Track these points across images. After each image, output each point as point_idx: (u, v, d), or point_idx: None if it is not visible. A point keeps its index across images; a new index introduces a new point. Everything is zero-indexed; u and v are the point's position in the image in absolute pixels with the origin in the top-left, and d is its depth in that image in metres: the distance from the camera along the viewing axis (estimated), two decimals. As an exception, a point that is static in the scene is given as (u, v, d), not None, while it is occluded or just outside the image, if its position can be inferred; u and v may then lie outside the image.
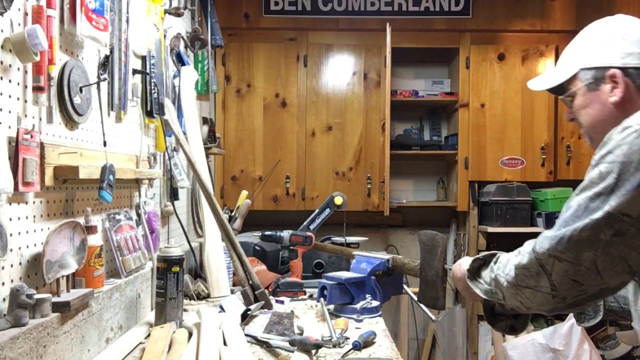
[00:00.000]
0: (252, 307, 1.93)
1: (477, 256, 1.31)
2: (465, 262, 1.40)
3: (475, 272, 1.30)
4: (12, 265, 1.17)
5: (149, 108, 1.99)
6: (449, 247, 3.84)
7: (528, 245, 1.14)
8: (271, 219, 3.75)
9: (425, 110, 3.96)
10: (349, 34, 3.58)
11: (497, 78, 3.54)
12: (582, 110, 1.28)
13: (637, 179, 1.01)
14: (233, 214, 2.60)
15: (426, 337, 3.84)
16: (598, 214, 1.04)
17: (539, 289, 1.10)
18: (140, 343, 1.62)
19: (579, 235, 1.05)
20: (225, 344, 1.50)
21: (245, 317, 1.85)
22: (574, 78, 1.28)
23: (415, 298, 2.39)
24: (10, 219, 1.17)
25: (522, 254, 1.14)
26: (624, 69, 1.18)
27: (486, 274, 1.25)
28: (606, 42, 1.22)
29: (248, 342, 1.59)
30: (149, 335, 1.60)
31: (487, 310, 1.43)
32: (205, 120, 2.65)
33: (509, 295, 1.17)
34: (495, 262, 1.23)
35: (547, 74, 1.38)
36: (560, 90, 1.33)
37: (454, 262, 1.74)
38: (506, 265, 1.18)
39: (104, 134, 1.58)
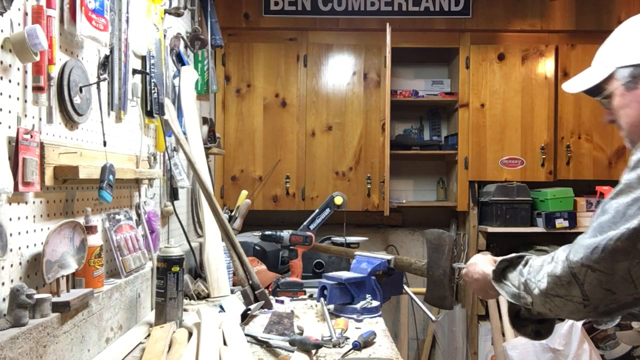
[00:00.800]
0: (252, 307, 1.93)
1: (504, 257, 1.28)
2: (482, 262, 1.39)
3: (500, 273, 1.27)
4: (12, 265, 1.17)
5: (149, 108, 1.99)
6: (449, 247, 3.83)
7: (562, 253, 1.11)
8: (271, 219, 3.75)
9: (425, 110, 3.96)
10: (349, 34, 3.58)
11: (497, 78, 3.54)
12: (621, 111, 1.21)
13: None
14: (233, 214, 2.60)
15: (426, 337, 3.84)
16: (635, 223, 1.01)
17: (570, 299, 1.08)
18: (140, 343, 1.62)
19: (615, 244, 1.02)
20: (225, 344, 1.50)
21: (245, 317, 1.85)
22: (610, 78, 1.22)
23: (415, 298, 2.40)
24: (10, 219, 1.17)
25: (556, 262, 1.11)
26: None
27: (514, 277, 1.23)
28: None
29: (248, 342, 1.59)
30: (149, 335, 1.60)
31: (511, 314, 1.41)
32: (205, 120, 2.65)
33: (539, 302, 1.15)
34: (525, 266, 1.21)
35: (583, 75, 1.31)
36: (598, 92, 1.27)
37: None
38: (539, 271, 1.15)
39: (104, 134, 1.58)
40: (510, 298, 1.24)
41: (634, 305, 1.09)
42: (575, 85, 1.31)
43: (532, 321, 1.39)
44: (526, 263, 1.22)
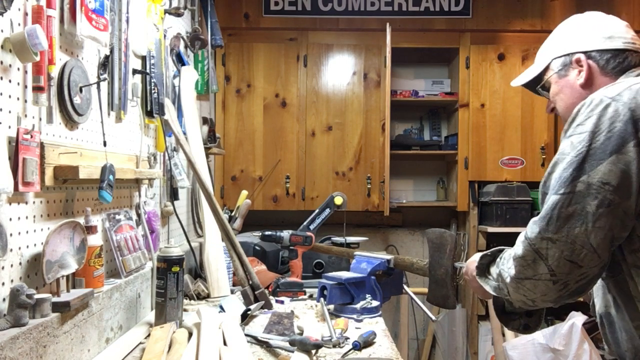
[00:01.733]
0: (252, 307, 1.93)
1: (486, 252, 1.30)
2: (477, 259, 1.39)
3: (484, 269, 1.29)
4: (12, 265, 1.17)
5: (149, 108, 1.99)
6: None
7: (521, 235, 1.15)
8: (271, 219, 3.75)
9: (425, 110, 3.96)
10: (349, 34, 3.58)
11: (497, 78, 3.54)
12: (557, 97, 1.36)
13: (609, 146, 1.07)
14: (233, 214, 2.60)
15: (426, 337, 3.84)
16: (579, 186, 1.08)
17: (539, 277, 1.10)
18: (140, 343, 1.62)
19: (566, 211, 1.08)
20: (225, 344, 1.50)
21: (245, 317, 1.85)
22: (547, 69, 1.38)
23: (415, 298, 2.39)
24: (10, 219, 1.17)
25: (517, 245, 1.15)
26: (586, 53, 1.30)
27: (493, 270, 1.25)
28: (571, 33, 1.34)
29: (248, 342, 1.59)
30: (149, 335, 1.60)
31: (498, 309, 1.42)
32: (205, 120, 2.65)
33: (512, 290, 1.17)
34: (501, 258, 1.24)
35: (526, 70, 1.46)
36: (538, 84, 1.42)
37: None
38: (508, 259, 1.18)
39: (104, 134, 1.58)
40: (493, 292, 1.25)
41: (600, 276, 1.14)
42: (520, 79, 1.46)
43: (520, 315, 1.40)
44: (502, 255, 1.24)
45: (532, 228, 1.12)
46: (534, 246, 1.11)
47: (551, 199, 1.11)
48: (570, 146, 1.12)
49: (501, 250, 1.27)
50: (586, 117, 1.13)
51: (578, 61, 1.31)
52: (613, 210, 1.07)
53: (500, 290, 1.22)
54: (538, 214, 1.16)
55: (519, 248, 1.15)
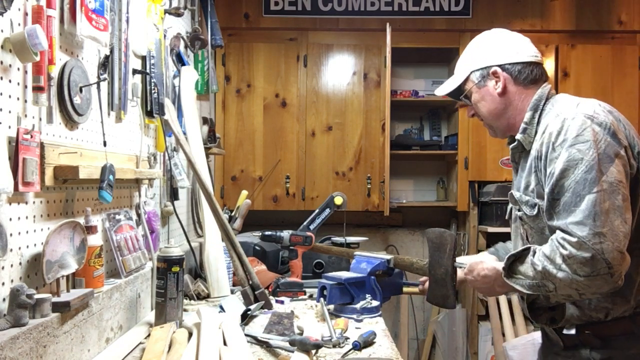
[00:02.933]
0: (252, 307, 1.93)
1: (511, 253, 1.37)
2: (489, 259, 1.47)
3: (509, 269, 1.37)
4: (12, 265, 1.17)
5: (149, 108, 1.99)
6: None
7: (565, 237, 1.25)
8: (271, 219, 3.75)
9: (425, 110, 3.96)
10: (349, 34, 3.58)
11: (497, 78, 3.53)
12: (479, 104, 1.56)
13: (611, 151, 1.27)
14: (233, 214, 2.60)
15: (426, 337, 3.84)
16: (604, 185, 1.24)
17: (597, 273, 1.21)
18: (140, 343, 1.62)
19: (605, 206, 1.23)
20: (225, 344, 1.50)
21: (245, 317, 1.85)
22: (467, 80, 1.57)
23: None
24: (10, 219, 1.17)
25: (565, 246, 1.24)
26: (501, 66, 1.51)
27: (527, 269, 1.32)
28: (487, 48, 1.55)
29: (248, 342, 1.59)
30: (149, 335, 1.60)
31: (528, 305, 1.50)
32: (205, 120, 2.65)
33: (564, 286, 1.26)
34: (534, 256, 1.31)
35: (448, 81, 1.64)
36: (460, 93, 1.60)
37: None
38: (554, 258, 1.26)
39: (104, 134, 1.58)
40: (527, 290, 1.33)
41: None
42: (443, 89, 1.65)
43: (545, 309, 1.47)
44: (534, 253, 1.32)
45: (580, 228, 1.23)
46: (589, 243, 1.21)
47: (587, 198, 1.25)
48: (580, 153, 1.28)
49: (527, 249, 1.34)
50: (582, 129, 1.30)
51: (495, 73, 1.51)
52: (628, 203, 1.26)
53: (538, 288, 1.30)
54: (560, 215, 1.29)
55: (565, 249, 1.24)
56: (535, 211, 1.43)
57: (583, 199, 1.24)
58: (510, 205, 1.59)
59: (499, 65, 1.51)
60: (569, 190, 1.27)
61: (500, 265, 1.41)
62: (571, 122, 1.32)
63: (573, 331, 1.44)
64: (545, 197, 1.34)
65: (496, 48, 1.53)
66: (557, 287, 1.27)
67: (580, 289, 1.24)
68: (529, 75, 1.50)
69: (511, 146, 1.53)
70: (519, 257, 1.35)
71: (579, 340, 1.43)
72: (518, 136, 1.48)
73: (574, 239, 1.23)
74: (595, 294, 1.26)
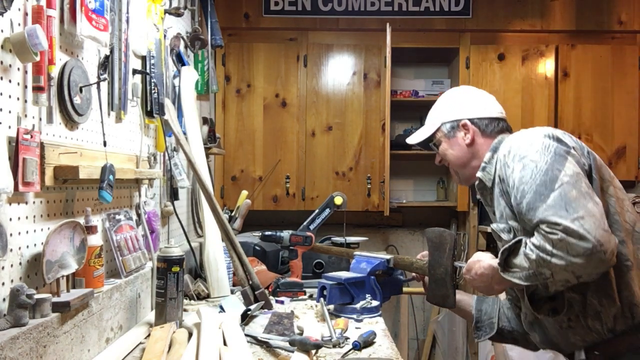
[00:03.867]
0: (252, 307, 1.93)
1: (503, 247, 1.39)
2: (486, 257, 1.48)
3: (504, 264, 1.38)
4: (12, 265, 1.17)
5: (149, 108, 1.99)
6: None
7: (548, 225, 1.27)
8: (271, 219, 3.75)
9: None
10: (349, 34, 3.58)
11: (497, 78, 3.54)
12: (447, 152, 1.71)
13: (561, 152, 1.36)
14: (233, 214, 2.60)
15: (426, 337, 3.84)
16: (564, 179, 1.30)
17: (590, 251, 1.22)
18: (140, 343, 1.62)
19: (572, 194, 1.27)
20: (225, 344, 1.50)
21: (245, 317, 1.85)
22: (438, 130, 1.72)
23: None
24: (10, 219, 1.17)
25: (553, 232, 1.25)
26: (471, 120, 1.66)
27: (521, 261, 1.34)
28: (458, 103, 1.70)
29: (248, 342, 1.59)
30: (149, 335, 1.60)
31: (529, 297, 1.51)
32: (205, 120, 2.65)
33: (559, 270, 1.26)
34: (525, 247, 1.33)
35: (420, 130, 1.80)
36: (430, 141, 1.76)
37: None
38: (544, 246, 1.27)
39: (104, 134, 1.58)
40: (525, 281, 1.34)
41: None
42: (415, 137, 1.80)
43: (546, 300, 1.48)
44: (525, 244, 1.33)
45: (558, 217, 1.25)
46: (572, 227, 1.23)
47: (552, 195, 1.29)
48: (532, 161, 1.37)
49: (518, 242, 1.36)
50: (529, 142, 1.42)
51: (464, 125, 1.66)
52: (592, 191, 1.31)
53: (536, 277, 1.31)
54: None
55: (554, 234, 1.25)
56: (511, 234, 1.47)
57: (548, 197, 1.29)
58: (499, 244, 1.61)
59: (469, 119, 1.65)
60: (530, 191, 1.33)
61: (496, 262, 1.42)
62: (518, 141, 1.45)
63: (583, 356, 1.45)
64: (513, 208, 1.41)
65: (466, 103, 1.69)
66: (553, 272, 1.28)
67: (577, 270, 1.25)
68: (494, 128, 1.65)
69: (476, 184, 1.62)
70: (512, 251, 1.36)
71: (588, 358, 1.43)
72: (479, 174, 1.59)
73: (558, 226, 1.25)
74: (592, 274, 1.26)
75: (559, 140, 1.40)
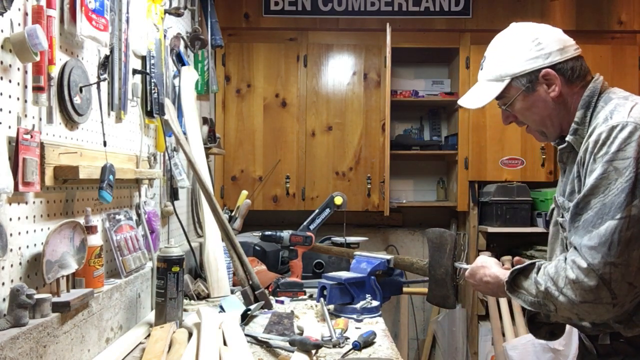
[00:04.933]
0: (252, 307, 1.93)
1: (515, 267, 1.32)
2: (491, 265, 1.41)
3: (512, 282, 1.32)
4: (12, 265, 1.17)
5: (149, 108, 1.99)
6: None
7: (576, 260, 1.18)
8: (271, 219, 3.75)
9: (425, 110, 3.96)
10: (349, 34, 3.58)
11: (497, 78, 3.53)
12: (527, 112, 1.39)
13: None
14: (233, 214, 2.60)
15: (426, 337, 3.84)
16: (633, 211, 1.14)
17: (599, 301, 1.15)
18: (140, 343, 1.62)
19: (625, 235, 1.14)
20: (225, 344, 1.50)
21: (245, 317, 1.85)
22: (508, 88, 1.38)
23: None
24: (10, 219, 1.17)
25: (573, 268, 1.18)
26: (552, 67, 1.33)
27: (529, 285, 1.28)
28: (525, 49, 1.35)
29: (248, 342, 1.59)
30: (149, 335, 1.60)
31: (528, 319, 1.46)
32: (205, 120, 2.65)
33: (565, 309, 1.21)
34: (538, 273, 1.26)
35: (477, 90, 1.45)
36: (492, 103, 1.43)
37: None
38: (557, 279, 1.20)
39: (104, 134, 1.58)
40: (528, 306, 1.29)
41: None
42: (475, 100, 1.44)
43: (546, 323, 1.44)
44: (538, 270, 1.27)
45: (592, 255, 1.16)
46: (598, 272, 1.15)
47: (608, 224, 1.16)
48: (616, 172, 1.17)
49: (532, 264, 1.29)
50: (625, 143, 1.18)
51: (546, 76, 1.34)
52: None
53: (540, 306, 1.26)
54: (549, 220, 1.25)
55: (579, 273, 1.17)
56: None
57: (604, 223, 1.16)
58: (552, 206, 1.50)
59: (550, 67, 1.34)
60: (593, 209, 1.19)
61: (502, 275, 1.37)
62: (618, 133, 1.19)
63: (607, 341, 1.37)
64: (571, 206, 1.26)
65: (540, 46, 1.35)
66: (557, 308, 1.23)
67: (580, 314, 1.20)
68: (580, 72, 1.35)
69: (560, 147, 1.39)
70: (522, 271, 1.31)
71: (612, 349, 1.38)
72: (568, 138, 1.35)
73: (583, 264, 1.17)
74: (595, 320, 1.23)
75: None
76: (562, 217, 1.38)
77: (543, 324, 1.45)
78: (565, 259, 1.22)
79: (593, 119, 1.30)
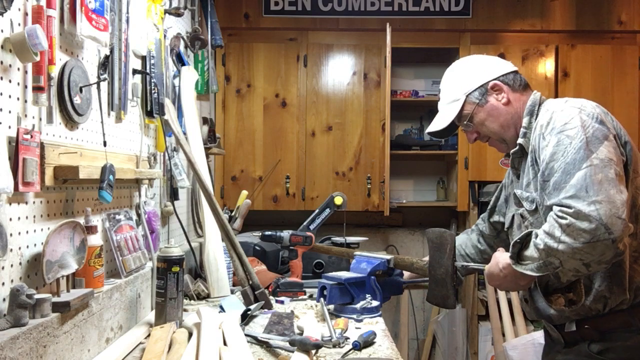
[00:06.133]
0: (252, 307, 1.93)
1: (514, 241, 1.37)
2: (501, 257, 1.45)
3: (517, 257, 1.36)
4: (12, 265, 1.17)
5: (149, 108, 1.99)
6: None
7: (561, 209, 1.26)
8: (271, 219, 3.75)
9: (425, 110, 3.96)
10: (349, 34, 3.58)
11: (497, 78, 3.53)
12: (486, 122, 1.58)
13: (599, 135, 1.32)
14: (233, 214, 2.60)
15: (426, 337, 3.84)
16: (594, 161, 1.28)
17: (597, 238, 1.21)
18: (140, 343, 1.62)
19: (596, 177, 1.25)
20: (225, 344, 1.50)
21: (245, 317, 1.85)
22: (465, 104, 1.60)
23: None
24: (10, 219, 1.17)
25: (558, 219, 1.25)
26: (497, 79, 1.57)
27: (531, 252, 1.32)
28: (471, 71, 1.62)
29: (248, 342, 1.59)
30: (149, 335, 1.60)
31: (543, 290, 1.50)
32: (205, 120, 2.65)
33: (567, 257, 1.26)
34: (536, 237, 1.31)
35: (439, 116, 1.67)
36: (450, 130, 1.66)
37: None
38: (553, 232, 1.26)
39: (104, 134, 1.58)
40: (537, 272, 1.33)
41: None
42: (439, 123, 1.65)
43: (562, 291, 1.48)
44: (536, 235, 1.32)
45: (575, 201, 1.25)
46: (585, 212, 1.22)
47: (577, 174, 1.27)
48: (568, 137, 1.33)
49: (528, 235, 1.34)
50: (569, 117, 1.37)
51: (494, 87, 1.57)
52: (622, 179, 1.29)
53: (547, 267, 1.30)
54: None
55: (564, 219, 1.24)
56: (534, 205, 1.45)
57: (573, 176, 1.27)
58: (509, 214, 1.61)
59: (496, 79, 1.57)
60: (558, 170, 1.31)
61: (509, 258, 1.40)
62: (560, 113, 1.39)
63: (573, 327, 1.45)
64: (538, 182, 1.40)
65: (482, 67, 1.61)
66: (562, 261, 1.27)
67: (584, 258, 1.24)
68: (520, 82, 1.58)
69: (512, 151, 1.56)
70: (524, 244, 1.35)
71: (579, 335, 1.44)
72: (519, 140, 1.52)
73: (570, 210, 1.24)
74: (601, 262, 1.26)
75: (601, 122, 1.36)
76: (521, 207, 1.50)
77: (558, 293, 1.47)
78: (553, 213, 1.28)
79: (537, 122, 1.48)
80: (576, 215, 1.23)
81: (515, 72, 1.61)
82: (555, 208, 1.28)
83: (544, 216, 1.37)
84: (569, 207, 1.25)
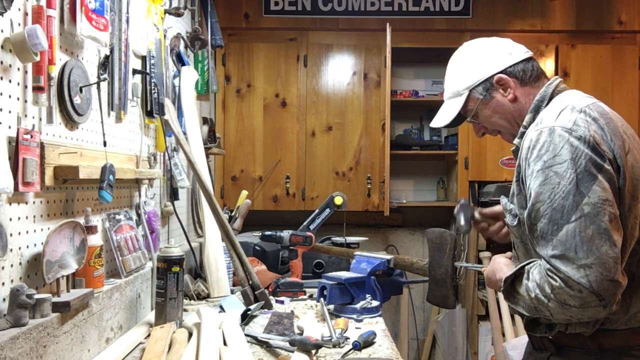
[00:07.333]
0: (252, 307, 1.93)
1: (506, 276, 1.28)
2: (500, 267, 1.38)
3: (509, 290, 1.29)
4: (12, 265, 1.17)
5: (149, 108, 1.99)
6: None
7: (550, 268, 1.16)
8: (271, 219, 3.75)
9: (425, 110, 3.96)
10: (349, 34, 3.58)
11: (497, 78, 3.53)
12: (492, 119, 1.44)
13: (592, 168, 1.16)
14: (233, 214, 2.60)
15: (426, 337, 3.84)
16: (585, 209, 1.14)
17: (587, 305, 1.13)
18: (140, 343, 1.62)
19: (586, 234, 1.13)
20: (225, 344, 1.50)
21: (245, 317, 1.85)
22: (469, 100, 1.46)
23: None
24: (10, 219, 1.17)
25: (552, 277, 1.16)
26: (503, 71, 1.40)
27: (523, 291, 1.24)
28: (474, 63, 1.45)
29: (248, 342, 1.59)
30: (149, 335, 1.60)
31: (528, 319, 1.41)
32: (205, 120, 2.65)
33: (557, 313, 1.19)
34: (528, 279, 1.23)
35: (442, 111, 1.56)
36: (458, 121, 1.52)
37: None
38: (544, 287, 1.18)
39: (104, 134, 1.58)
40: (527, 313, 1.27)
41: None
42: (442, 119, 1.55)
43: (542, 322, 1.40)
44: (528, 276, 1.24)
45: (563, 263, 1.14)
46: (574, 278, 1.12)
47: (566, 228, 1.15)
48: (557, 175, 1.18)
49: (522, 269, 1.26)
50: (559, 146, 1.19)
51: (499, 81, 1.40)
52: (617, 221, 1.16)
53: (537, 312, 1.23)
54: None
55: (554, 280, 1.15)
56: (515, 221, 1.35)
57: (561, 229, 1.15)
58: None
59: (501, 72, 1.40)
60: (545, 216, 1.18)
61: (503, 277, 1.32)
62: (547, 138, 1.21)
63: (539, 333, 1.37)
64: (525, 216, 1.26)
65: (488, 56, 1.43)
66: (552, 313, 1.21)
67: (574, 316, 1.18)
68: (532, 72, 1.40)
69: (512, 150, 1.43)
70: (517, 276, 1.27)
71: (542, 343, 1.38)
72: (516, 141, 1.39)
73: (559, 274, 1.14)
74: (592, 318, 1.20)
75: (594, 147, 1.18)
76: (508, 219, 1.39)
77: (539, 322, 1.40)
78: (544, 268, 1.19)
79: (526, 138, 1.31)
80: (565, 281, 1.13)
81: (527, 60, 1.41)
82: (545, 264, 1.18)
83: (531, 235, 1.26)
84: (557, 270, 1.14)
